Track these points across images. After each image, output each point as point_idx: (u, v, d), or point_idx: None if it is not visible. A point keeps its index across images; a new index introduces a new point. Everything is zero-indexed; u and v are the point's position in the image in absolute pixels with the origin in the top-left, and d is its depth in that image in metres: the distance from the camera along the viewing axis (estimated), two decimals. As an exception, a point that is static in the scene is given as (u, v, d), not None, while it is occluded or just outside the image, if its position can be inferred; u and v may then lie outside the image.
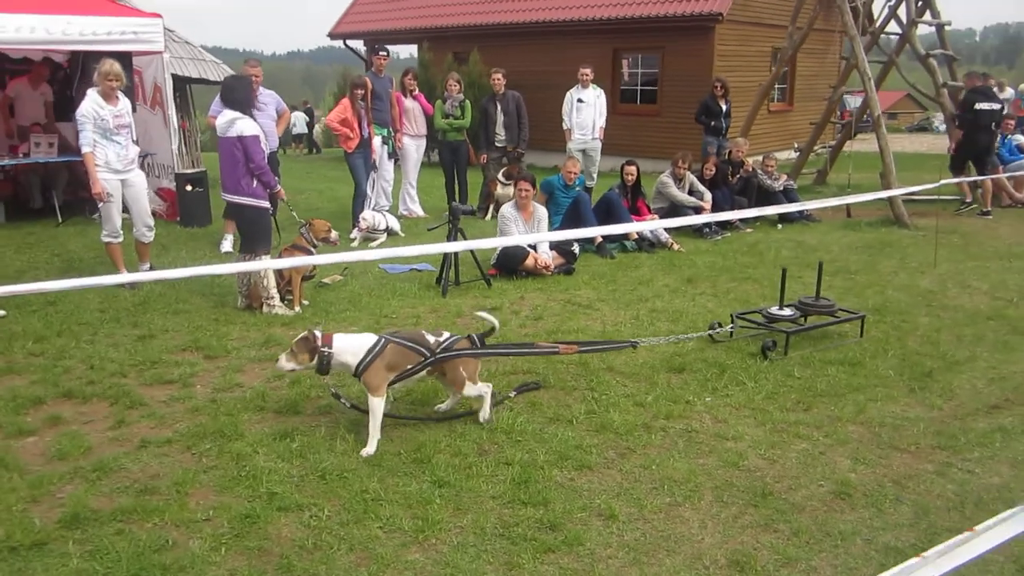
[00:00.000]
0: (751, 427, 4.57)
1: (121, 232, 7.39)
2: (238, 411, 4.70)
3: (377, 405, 4.23)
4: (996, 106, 11.25)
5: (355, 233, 9.63)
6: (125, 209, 7.40)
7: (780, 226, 10.55)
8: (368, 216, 9.48)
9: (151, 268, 7.63)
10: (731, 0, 15.85)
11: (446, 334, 4.57)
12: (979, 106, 11.11)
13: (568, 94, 11.96)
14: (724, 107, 12.40)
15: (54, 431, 4.47)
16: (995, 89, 12.20)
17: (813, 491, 3.87)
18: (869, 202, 10.26)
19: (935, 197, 11.53)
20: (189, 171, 10.24)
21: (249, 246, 6.83)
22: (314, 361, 4.27)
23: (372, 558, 3.29)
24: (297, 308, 6.73)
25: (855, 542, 3.44)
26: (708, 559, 3.31)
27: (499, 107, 11.07)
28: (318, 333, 4.31)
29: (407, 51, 17.32)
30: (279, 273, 6.70)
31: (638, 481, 3.95)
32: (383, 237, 9.52)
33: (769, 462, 4.16)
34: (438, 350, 4.43)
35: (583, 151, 11.73)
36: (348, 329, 6.24)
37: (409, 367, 4.38)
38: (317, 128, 28.39)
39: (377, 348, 4.30)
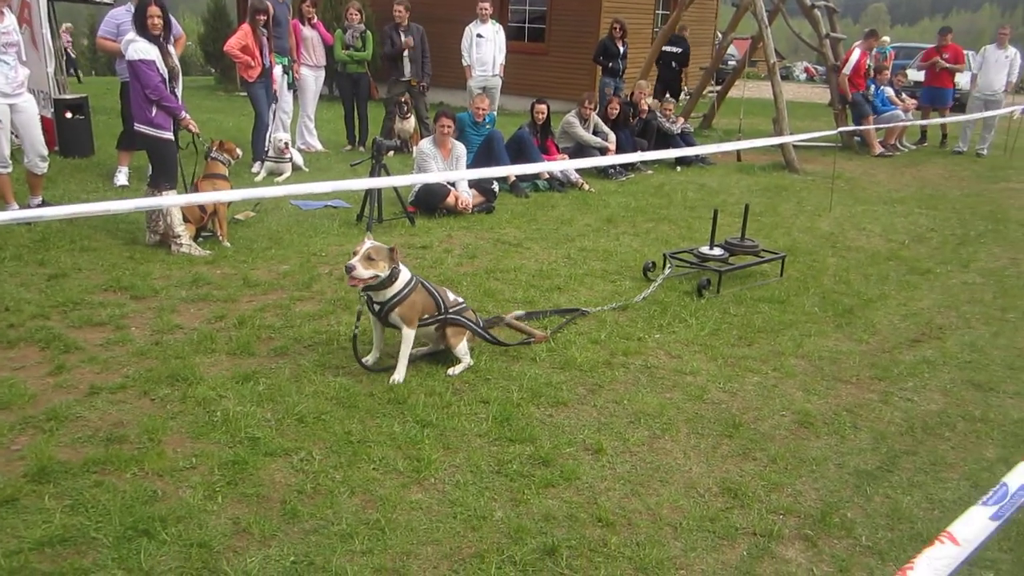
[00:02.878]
0: (704, 362, 4.76)
1: (10, 161, 6.75)
2: (188, 354, 4.46)
3: (410, 335, 4.27)
4: (677, 49, 14.28)
5: (257, 167, 9.20)
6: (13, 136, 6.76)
7: (679, 168, 10.85)
8: (283, 136, 9.05)
9: (43, 202, 7.03)
10: (621, -60, 15.90)
11: (454, 296, 4.60)
12: (664, 48, 13.99)
13: (467, 29, 11.71)
14: (622, 49, 12.51)
15: (-17, 378, 4.11)
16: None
17: (778, 421, 4.09)
18: (759, 147, 10.72)
19: (814, 144, 12.18)
20: (69, 97, 9.42)
21: (153, 180, 6.44)
22: (387, 273, 4.14)
23: (377, 500, 3.24)
24: (227, 243, 6.45)
25: (828, 467, 3.68)
26: (701, 487, 3.46)
27: (402, 39, 10.72)
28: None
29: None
30: (201, 206, 6.34)
31: (614, 416, 4.06)
32: (288, 171, 9.13)
33: (730, 395, 4.36)
34: (452, 310, 4.46)
35: (483, 88, 11.59)
36: (280, 268, 6.04)
37: (427, 316, 4.36)
38: None
39: (412, 283, 4.29)
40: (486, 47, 11.65)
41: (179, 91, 6.40)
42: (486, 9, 11.60)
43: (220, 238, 6.49)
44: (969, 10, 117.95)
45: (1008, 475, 1.81)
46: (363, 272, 4.07)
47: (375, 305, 4.28)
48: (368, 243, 4.13)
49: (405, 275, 4.30)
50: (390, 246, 4.20)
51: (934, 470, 3.71)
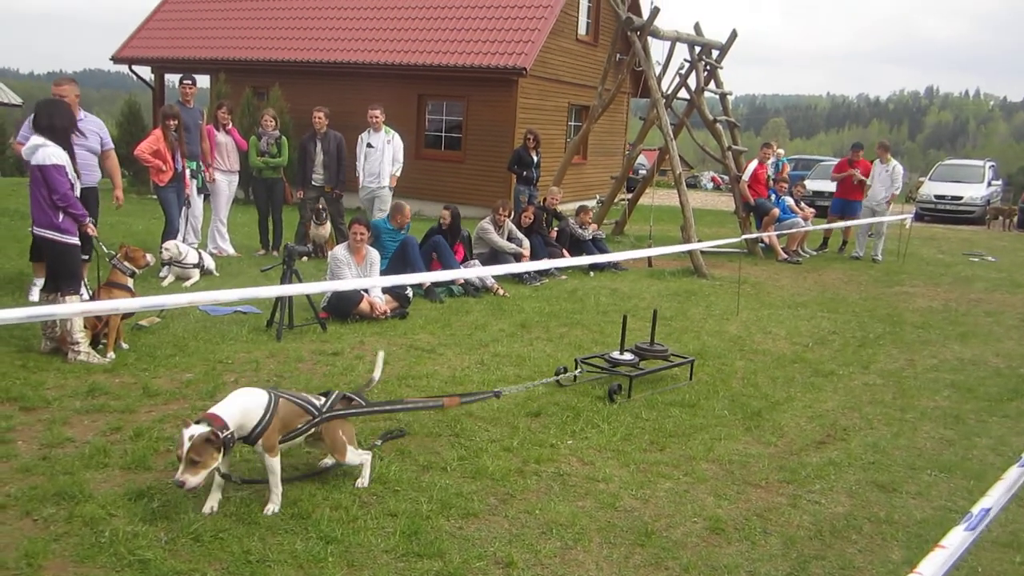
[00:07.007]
0: (616, 468, 4.74)
1: None
2: (78, 469, 4.22)
3: (275, 464, 3.98)
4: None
5: (165, 271, 8.99)
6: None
7: (592, 273, 11.07)
8: (171, 246, 8.82)
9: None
10: (534, 56, 16.56)
11: (323, 399, 4.34)
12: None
13: (359, 138, 11.31)
14: (535, 158, 12.88)
15: None
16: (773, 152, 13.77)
17: (690, 528, 4.07)
18: (669, 253, 11.04)
19: (721, 250, 12.63)
20: (-34, 199, 9.12)
21: (54, 285, 6.25)
22: (220, 457, 3.74)
23: (274, 625, 3.06)
24: (111, 354, 6.14)
25: (740, 575, 3.66)
26: (614, 601, 3.39)
27: (319, 146, 10.81)
28: (200, 427, 3.69)
29: (202, 81, 16.45)
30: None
31: (526, 527, 3.97)
32: (196, 276, 8.95)
33: (642, 502, 4.33)
34: (324, 409, 4.23)
35: (372, 199, 11.28)
36: (183, 377, 5.83)
37: (298, 426, 4.13)
38: None
39: (272, 406, 3.99)
40: (374, 157, 11.11)
41: (77, 192, 6.28)
42: (376, 117, 11.05)
43: (105, 348, 6.20)
44: (860, 125, 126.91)
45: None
46: (194, 479, 3.63)
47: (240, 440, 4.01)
48: (186, 443, 3.63)
49: (260, 401, 3.97)
50: (206, 433, 3.67)
51: (843, 575, 3.73)
